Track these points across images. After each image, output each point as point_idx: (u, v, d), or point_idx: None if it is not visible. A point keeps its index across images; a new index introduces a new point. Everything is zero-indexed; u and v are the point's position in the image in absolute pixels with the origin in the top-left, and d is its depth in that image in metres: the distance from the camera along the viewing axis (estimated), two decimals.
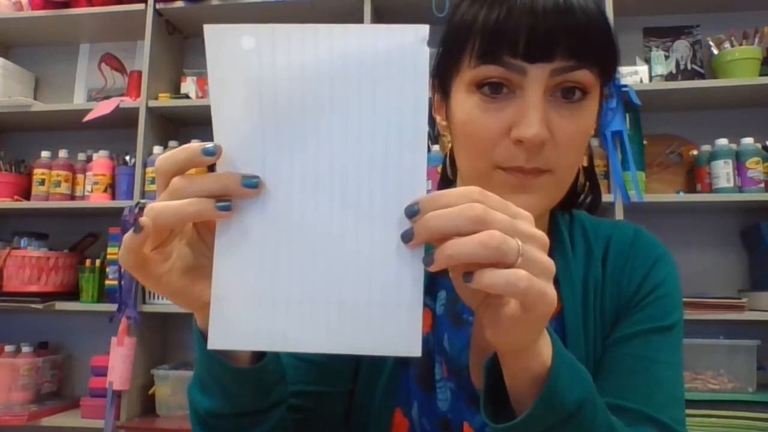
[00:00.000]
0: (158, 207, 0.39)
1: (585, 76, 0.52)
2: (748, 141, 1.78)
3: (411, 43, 0.36)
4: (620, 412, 0.53)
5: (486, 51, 0.52)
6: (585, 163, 0.63)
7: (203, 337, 0.45)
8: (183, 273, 0.43)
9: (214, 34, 0.37)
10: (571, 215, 0.67)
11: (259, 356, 0.49)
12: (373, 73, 0.37)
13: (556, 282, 0.59)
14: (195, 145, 0.40)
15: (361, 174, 0.38)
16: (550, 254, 0.62)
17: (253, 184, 0.38)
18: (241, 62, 0.37)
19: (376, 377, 0.62)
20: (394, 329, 0.37)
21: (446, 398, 0.61)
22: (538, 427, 0.43)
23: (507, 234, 0.36)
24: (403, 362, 0.62)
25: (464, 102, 0.55)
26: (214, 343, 0.39)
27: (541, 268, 0.37)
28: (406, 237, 0.37)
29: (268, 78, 0.37)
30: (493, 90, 0.53)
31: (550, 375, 0.42)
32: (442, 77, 0.60)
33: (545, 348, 0.43)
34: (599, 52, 0.53)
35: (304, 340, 0.38)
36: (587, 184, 0.67)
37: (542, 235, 0.38)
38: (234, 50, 0.37)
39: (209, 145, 0.39)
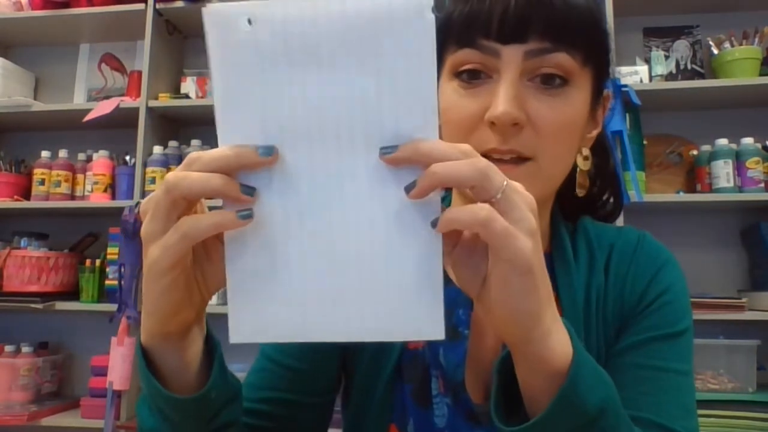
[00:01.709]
0: (176, 177, 0.37)
1: (564, 59, 0.51)
2: (748, 141, 1.78)
3: (415, 10, 0.35)
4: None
5: (461, 35, 0.52)
6: (587, 166, 0.61)
7: (144, 353, 0.44)
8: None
9: (213, 17, 0.36)
10: (575, 223, 0.65)
11: (201, 383, 0.45)
12: (375, 45, 0.35)
13: (557, 293, 0.58)
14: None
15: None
16: (551, 266, 0.61)
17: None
18: (243, 43, 0.36)
19: (371, 392, 0.60)
20: (415, 312, 0.36)
21: (443, 414, 0.59)
22: (555, 431, 0.40)
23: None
24: (398, 377, 0.61)
25: (445, 89, 0.55)
26: (235, 336, 0.37)
27: (519, 216, 0.36)
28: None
29: (270, 56, 0.36)
30: (470, 76, 0.53)
31: (571, 371, 0.40)
32: None
33: (558, 339, 0.41)
34: (579, 35, 0.51)
35: (324, 329, 0.37)
36: (608, 188, 0.66)
37: (530, 197, 0.38)
38: (235, 31, 0.36)
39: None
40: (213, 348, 0.47)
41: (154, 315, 0.41)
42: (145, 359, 0.44)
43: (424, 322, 0.36)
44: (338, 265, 0.37)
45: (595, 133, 0.61)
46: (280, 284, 0.37)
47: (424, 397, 0.60)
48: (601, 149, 0.65)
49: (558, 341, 0.41)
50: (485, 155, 0.50)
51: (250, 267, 0.37)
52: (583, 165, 0.60)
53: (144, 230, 0.39)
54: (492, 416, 0.43)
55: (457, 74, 0.54)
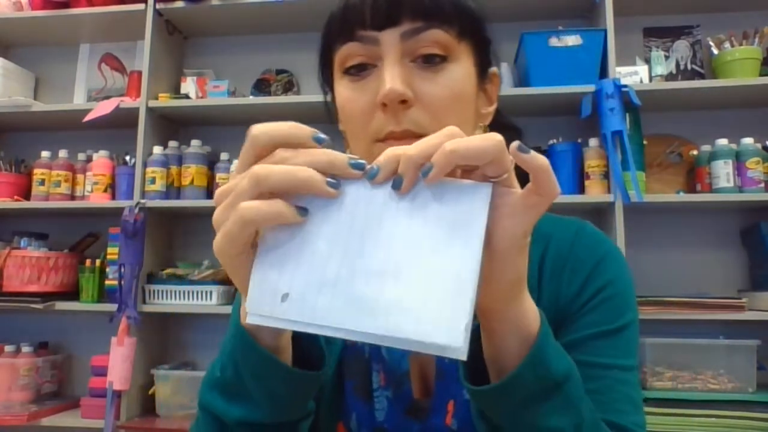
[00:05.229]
0: (265, 170, 0.37)
1: (439, 35, 0.53)
2: (748, 141, 1.78)
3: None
4: None
5: (342, 31, 0.55)
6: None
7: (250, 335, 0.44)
8: None
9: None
10: None
11: (303, 361, 0.46)
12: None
13: None
14: (302, 126, 0.38)
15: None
16: None
17: (360, 165, 0.37)
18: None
19: (320, 393, 0.61)
20: (437, 318, 0.35)
21: (383, 407, 0.60)
22: (522, 391, 0.41)
23: None
24: (341, 374, 0.61)
25: (339, 88, 0.57)
26: (252, 317, 0.37)
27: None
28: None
29: None
30: (358, 69, 0.55)
31: (540, 333, 0.42)
32: (326, 79, 0.62)
33: (530, 303, 0.43)
34: (449, 12, 0.53)
35: (342, 323, 0.36)
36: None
37: None
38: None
39: (320, 134, 0.38)
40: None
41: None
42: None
43: (443, 330, 0.35)
44: (366, 270, 0.36)
45: (491, 109, 0.63)
46: (302, 274, 0.37)
47: (365, 391, 0.61)
48: (502, 128, 0.65)
49: (530, 305, 0.43)
50: (384, 140, 0.52)
51: (281, 255, 0.37)
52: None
53: (215, 217, 0.39)
54: (462, 381, 0.44)
55: (346, 71, 0.55)
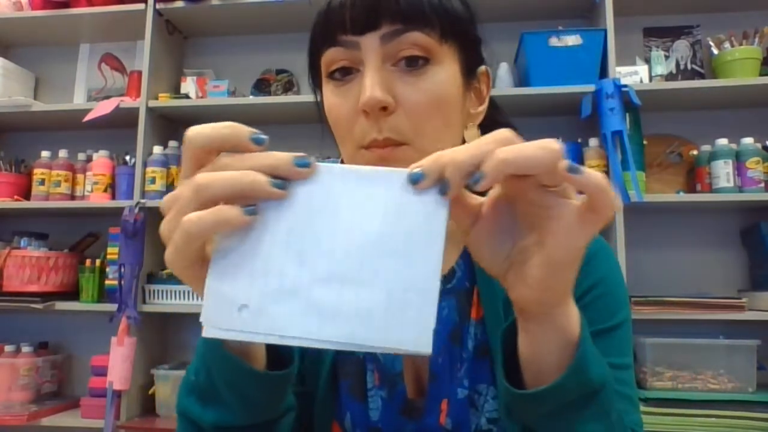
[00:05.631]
0: (207, 178, 0.34)
1: (419, 38, 0.52)
2: (748, 141, 1.78)
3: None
4: None
5: (324, 36, 0.54)
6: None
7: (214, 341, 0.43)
8: None
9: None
10: None
11: (278, 359, 0.46)
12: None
13: (478, 299, 0.59)
14: (240, 125, 0.36)
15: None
16: (472, 269, 0.61)
17: (305, 163, 0.35)
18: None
19: (314, 392, 0.61)
20: (402, 323, 0.34)
21: (377, 407, 0.60)
22: (562, 399, 0.41)
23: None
24: (336, 374, 0.61)
25: (325, 93, 0.57)
26: (209, 331, 0.35)
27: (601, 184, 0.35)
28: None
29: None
30: (342, 74, 0.54)
31: (581, 341, 0.40)
32: (315, 81, 0.62)
33: (574, 308, 0.41)
34: (428, 13, 0.52)
35: (304, 333, 0.35)
36: None
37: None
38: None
39: (260, 134, 0.36)
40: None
41: None
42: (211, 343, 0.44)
43: (410, 335, 0.34)
44: (325, 266, 0.35)
45: (481, 108, 0.61)
46: (258, 283, 0.35)
47: (360, 390, 0.61)
48: (496, 126, 0.64)
49: (573, 309, 0.41)
50: (367, 148, 0.52)
51: (234, 264, 0.36)
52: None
53: (161, 229, 0.37)
54: (503, 383, 0.43)
55: (330, 75, 0.55)
